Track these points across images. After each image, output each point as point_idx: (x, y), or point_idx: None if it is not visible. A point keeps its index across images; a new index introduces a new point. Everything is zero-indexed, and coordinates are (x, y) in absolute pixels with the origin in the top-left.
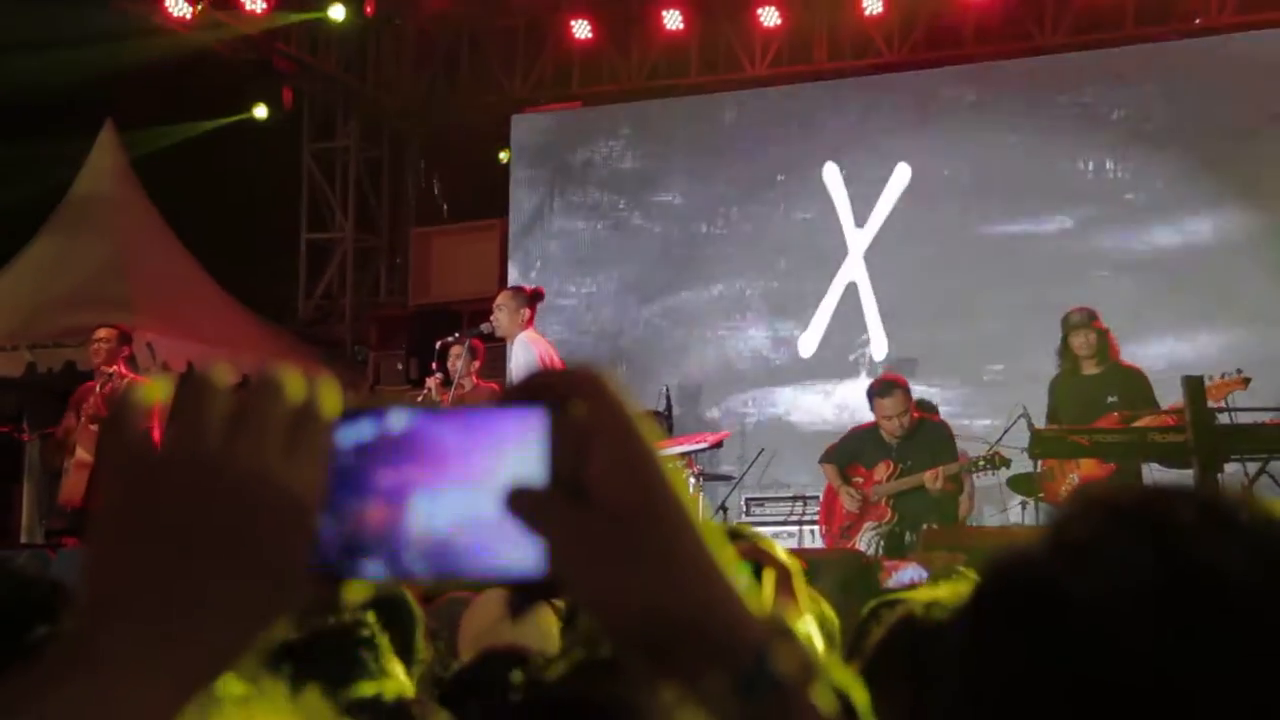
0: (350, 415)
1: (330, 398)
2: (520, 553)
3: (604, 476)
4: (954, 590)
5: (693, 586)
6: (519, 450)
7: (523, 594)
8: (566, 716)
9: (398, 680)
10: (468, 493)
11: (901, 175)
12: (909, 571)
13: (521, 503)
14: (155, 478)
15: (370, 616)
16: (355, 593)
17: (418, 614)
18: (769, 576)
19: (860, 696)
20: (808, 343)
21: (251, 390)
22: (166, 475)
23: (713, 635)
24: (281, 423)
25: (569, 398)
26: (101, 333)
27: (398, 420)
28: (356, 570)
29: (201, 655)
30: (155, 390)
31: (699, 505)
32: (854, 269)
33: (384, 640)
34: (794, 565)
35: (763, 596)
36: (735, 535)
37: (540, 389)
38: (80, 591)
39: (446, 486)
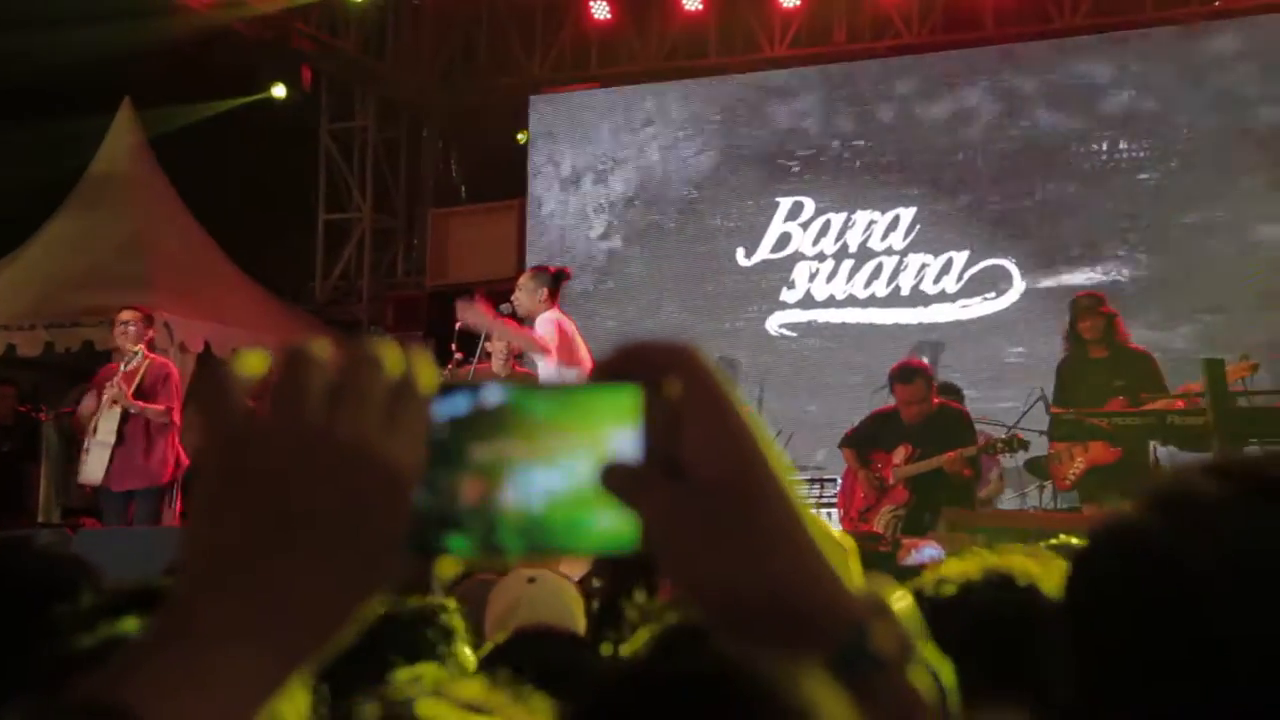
0: (445, 390)
1: (427, 372)
2: (615, 529)
3: (700, 451)
4: (963, 567)
5: (791, 561)
6: (613, 426)
7: (618, 570)
8: (677, 691)
9: (462, 663)
10: (562, 469)
11: (918, 160)
12: (928, 549)
13: (616, 478)
14: (255, 450)
15: (451, 602)
16: (447, 568)
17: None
18: None
19: (948, 677)
20: (828, 327)
21: (350, 364)
22: (266, 448)
23: (811, 611)
24: (381, 397)
25: (662, 373)
26: (126, 314)
27: (492, 396)
28: (450, 546)
29: (300, 629)
30: (254, 363)
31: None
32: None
33: (459, 624)
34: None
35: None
36: None
37: (633, 364)
38: (179, 563)
39: (541, 463)
